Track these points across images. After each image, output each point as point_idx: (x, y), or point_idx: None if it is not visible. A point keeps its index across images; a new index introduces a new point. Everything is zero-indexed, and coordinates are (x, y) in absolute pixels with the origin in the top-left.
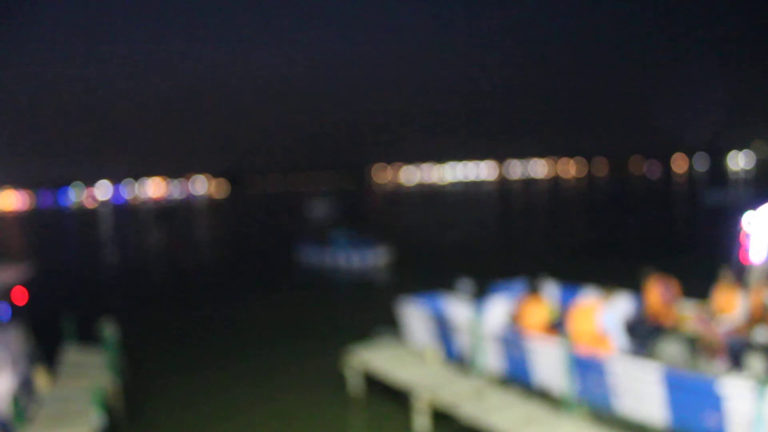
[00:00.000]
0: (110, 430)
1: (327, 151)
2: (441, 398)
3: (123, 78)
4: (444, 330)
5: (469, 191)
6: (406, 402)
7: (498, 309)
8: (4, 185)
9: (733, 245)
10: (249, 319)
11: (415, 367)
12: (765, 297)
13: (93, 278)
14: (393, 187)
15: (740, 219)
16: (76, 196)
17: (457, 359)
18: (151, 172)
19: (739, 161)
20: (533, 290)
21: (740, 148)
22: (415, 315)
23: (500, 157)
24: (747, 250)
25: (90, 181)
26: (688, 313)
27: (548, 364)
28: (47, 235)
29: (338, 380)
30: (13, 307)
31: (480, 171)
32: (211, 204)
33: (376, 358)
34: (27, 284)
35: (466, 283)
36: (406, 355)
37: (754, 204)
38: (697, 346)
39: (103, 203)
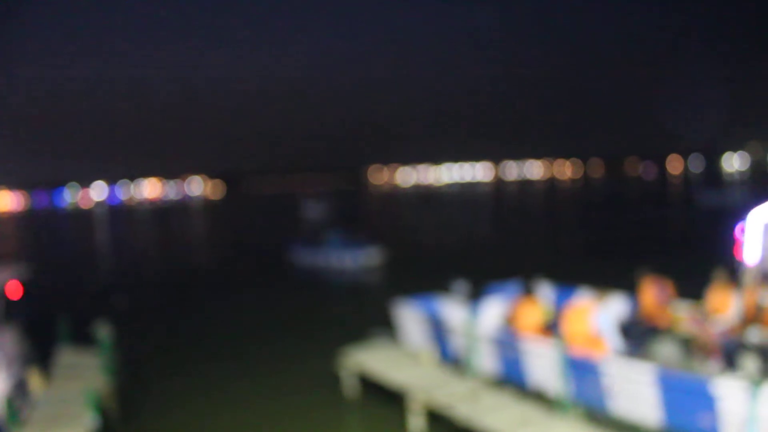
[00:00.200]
0: None
1: (324, 153)
2: (436, 399)
3: (120, 79)
4: (439, 331)
5: (466, 192)
6: (401, 403)
7: (493, 310)
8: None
9: (728, 246)
10: (243, 320)
11: (410, 369)
12: (758, 297)
13: (88, 279)
14: (389, 189)
15: (736, 220)
16: (72, 196)
17: (452, 360)
18: (147, 173)
19: (734, 162)
20: (528, 292)
21: (735, 150)
22: (410, 316)
23: (496, 159)
24: (741, 251)
25: (85, 182)
26: (682, 314)
27: (543, 365)
28: (42, 236)
29: (333, 381)
30: (9, 303)
31: (476, 172)
32: (207, 205)
33: (371, 359)
34: (22, 284)
35: (461, 285)
36: (401, 356)
37: (749, 206)
38: (691, 346)
39: (99, 204)
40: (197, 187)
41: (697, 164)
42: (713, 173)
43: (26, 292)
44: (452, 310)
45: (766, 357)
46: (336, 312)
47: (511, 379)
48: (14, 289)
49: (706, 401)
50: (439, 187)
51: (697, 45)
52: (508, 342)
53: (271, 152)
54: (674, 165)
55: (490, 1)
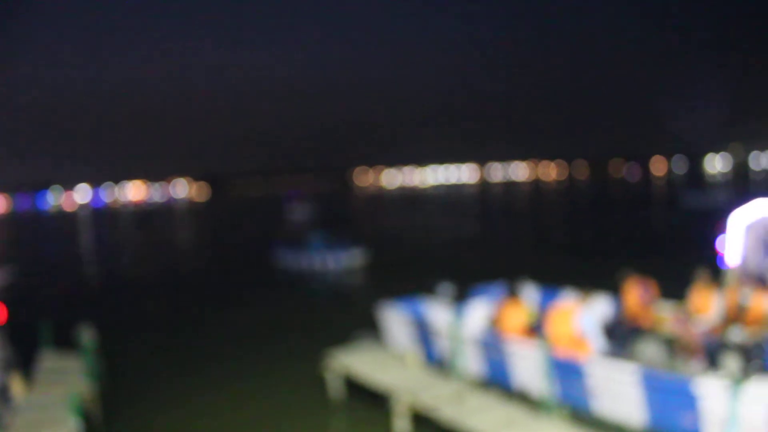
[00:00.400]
0: None
1: (309, 155)
2: (421, 401)
3: (103, 81)
4: (424, 333)
5: (451, 194)
6: (386, 405)
7: (478, 312)
8: None
9: (711, 247)
10: (226, 323)
11: (395, 371)
12: (740, 298)
13: (70, 282)
14: (375, 190)
15: (718, 221)
16: (55, 199)
17: (437, 363)
18: (131, 176)
19: (716, 164)
20: (512, 293)
21: (717, 151)
22: (395, 318)
23: (481, 160)
24: (723, 252)
25: (69, 185)
26: (665, 314)
27: (527, 366)
28: (25, 239)
29: (318, 384)
30: None
31: (461, 174)
32: (192, 207)
33: (356, 361)
34: (5, 292)
35: (446, 287)
36: (387, 358)
37: (731, 207)
38: (674, 346)
39: (83, 207)
40: (182, 189)
41: (680, 166)
42: (696, 175)
43: (9, 300)
44: (437, 312)
45: (748, 356)
46: (320, 314)
47: (496, 381)
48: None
49: (688, 401)
50: (425, 189)
51: (680, 48)
52: (492, 344)
53: (256, 154)
54: (658, 166)
55: (471, 3)
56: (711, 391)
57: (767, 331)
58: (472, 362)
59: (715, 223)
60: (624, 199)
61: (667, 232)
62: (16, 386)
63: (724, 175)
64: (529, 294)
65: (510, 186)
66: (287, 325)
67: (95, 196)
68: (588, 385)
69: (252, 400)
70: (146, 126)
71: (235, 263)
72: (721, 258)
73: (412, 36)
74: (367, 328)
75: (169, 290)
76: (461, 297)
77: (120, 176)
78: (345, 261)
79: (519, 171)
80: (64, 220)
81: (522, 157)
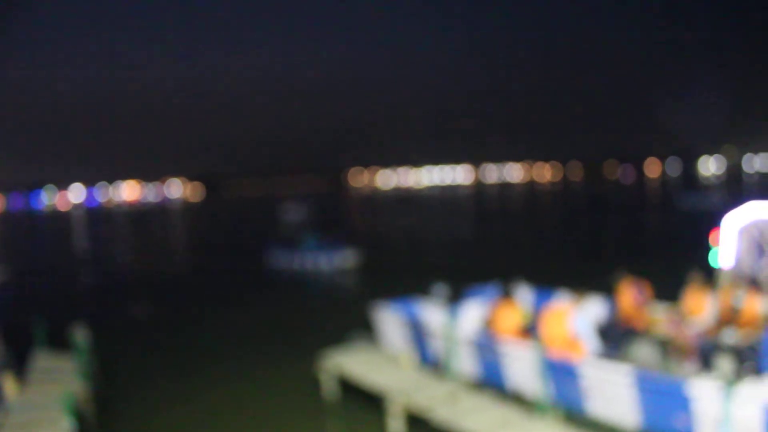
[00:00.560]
0: None
1: (304, 155)
2: (415, 402)
3: (97, 80)
4: (418, 334)
5: (446, 195)
6: (380, 406)
7: (472, 313)
8: None
9: (704, 249)
10: (220, 324)
11: (389, 372)
12: (733, 299)
13: (64, 282)
14: (369, 191)
15: (712, 223)
16: (49, 199)
17: (431, 364)
18: (125, 176)
19: (710, 166)
20: (506, 294)
21: (711, 153)
22: (389, 320)
23: (476, 161)
24: (717, 253)
25: (63, 184)
26: (659, 316)
27: (521, 367)
28: (18, 238)
29: (313, 385)
30: None
31: (456, 175)
32: (186, 208)
33: (350, 362)
34: None
35: (440, 288)
36: (381, 359)
37: (725, 209)
38: (668, 348)
39: (77, 206)
40: (176, 189)
41: (674, 168)
42: (690, 177)
43: (2, 298)
44: (431, 313)
45: (741, 358)
46: (313, 315)
47: (491, 382)
48: None
49: (682, 402)
50: (419, 190)
51: (675, 50)
52: (487, 345)
53: (250, 155)
54: (652, 168)
55: (467, 4)
56: (704, 392)
57: (760, 333)
58: (466, 363)
59: (709, 225)
60: (618, 201)
61: (661, 234)
62: (9, 386)
63: (717, 177)
64: (524, 295)
65: (505, 187)
66: (280, 326)
67: (89, 195)
68: (582, 386)
69: (246, 401)
70: (141, 126)
71: (229, 264)
72: (715, 259)
73: (407, 37)
74: (361, 328)
75: (163, 290)
76: (455, 298)
77: (114, 176)
78: (337, 262)
79: (514, 172)
80: (58, 219)
81: (517, 159)
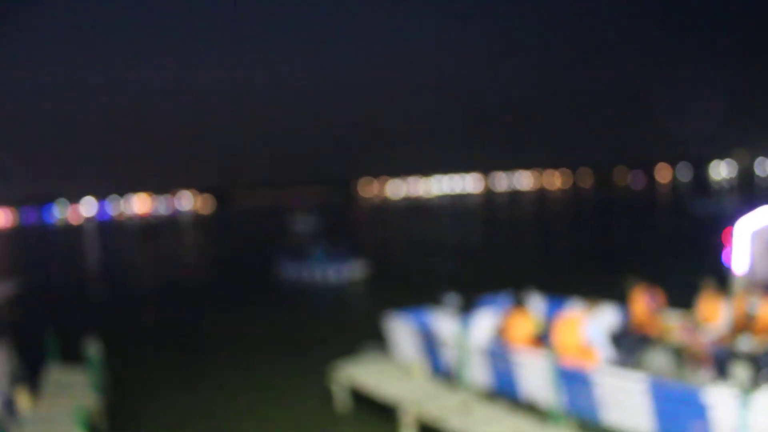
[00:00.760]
0: None
1: (314, 166)
2: (428, 412)
3: (108, 92)
4: (430, 344)
5: (455, 204)
6: (393, 417)
7: (484, 323)
8: None
9: (718, 254)
10: (231, 336)
11: (401, 382)
12: (748, 306)
13: (77, 295)
14: (379, 201)
15: (725, 229)
16: (61, 212)
17: (443, 373)
18: (136, 188)
19: (721, 171)
20: (518, 303)
21: (722, 158)
22: (401, 329)
23: (486, 170)
24: (731, 259)
25: (75, 198)
26: (672, 323)
27: (534, 376)
28: (31, 252)
29: (325, 396)
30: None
31: (466, 184)
32: (197, 220)
33: (362, 373)
34: (12, 301)
35: (451, 297)
36: (393, 369)
37: (738, 214)
38: (682, 355)
39: (88, 220)
40: (187, 202)
41: (685, 173)
42: (701, 181)
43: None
44: (443, 322)
45: (757, 365)
46: (324, 325)
47: (503, 391)
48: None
49: (697, 410)
50: (429, 199)
51: (684, 54)
52: (499, 354)
53: (260, 166)
54: (662, 174)
55: (476, 9)
56: (720, 400)
57: None
58: (478, 373)
59: (722, 230)
60: (629, 207)
61: (673, 240)
62: (22, 399)
63: (729, 181)
64: (536, 304)
65: (515, 195)
66: (291, 338)
67: (101, 209)
68: (596, 394)
69: (258, 412)
70: (151, 138)
71: (239, 275)
72: (728, 265)
73: (416, 46)
74: (372, 339)
75: (175, 303)
76: (467, 307)
77: (125, 189)
78: (346, 273)
79: (523, 180)
80: (70, 233)
81: (526, 167)
